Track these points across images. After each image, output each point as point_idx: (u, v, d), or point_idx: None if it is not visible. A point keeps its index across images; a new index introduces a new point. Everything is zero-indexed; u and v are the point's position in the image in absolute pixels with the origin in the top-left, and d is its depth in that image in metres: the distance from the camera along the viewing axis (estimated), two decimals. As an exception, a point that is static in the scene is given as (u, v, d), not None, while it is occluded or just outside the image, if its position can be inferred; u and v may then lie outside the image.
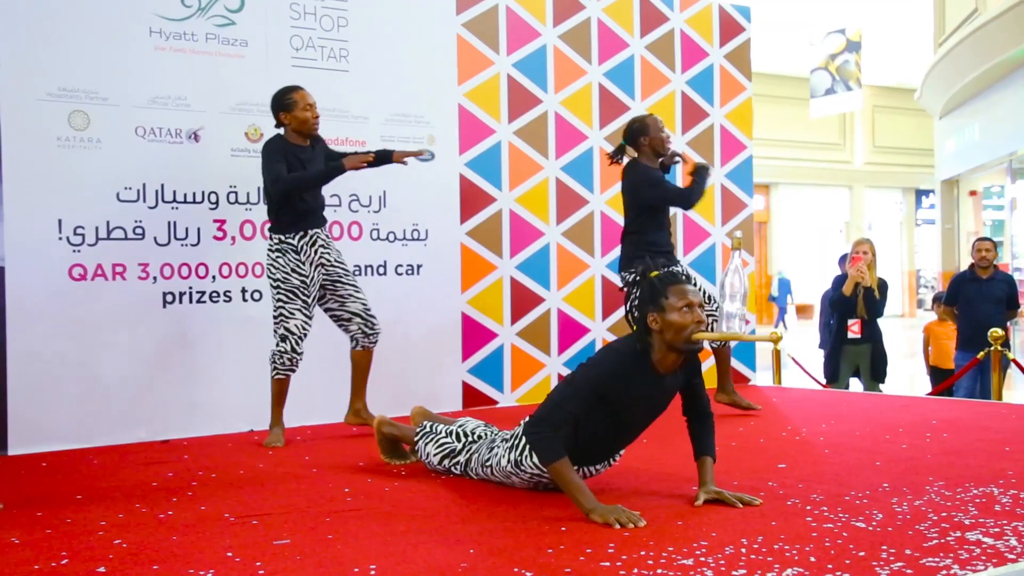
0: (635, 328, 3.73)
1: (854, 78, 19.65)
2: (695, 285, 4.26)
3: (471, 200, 6.67)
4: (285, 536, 3.35)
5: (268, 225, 5.47)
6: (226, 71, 5.90)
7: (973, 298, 8.39)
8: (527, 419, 3.84)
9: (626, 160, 5.88)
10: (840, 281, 8.49)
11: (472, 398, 6.64)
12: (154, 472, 4.68)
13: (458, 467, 4.22)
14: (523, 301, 6.89)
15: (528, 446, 3.76)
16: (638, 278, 3.79)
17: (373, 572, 2.87)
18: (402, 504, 3.86)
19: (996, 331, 7.46)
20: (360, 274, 6.22)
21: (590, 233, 7.19)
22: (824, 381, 8.80)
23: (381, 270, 6.35)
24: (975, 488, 3.83)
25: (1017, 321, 8.27)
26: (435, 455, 4.28)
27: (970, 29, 14.68)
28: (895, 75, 24.42)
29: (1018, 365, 7.61)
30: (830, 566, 2.81)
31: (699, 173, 5.71)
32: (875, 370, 8.33)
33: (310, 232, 5.38)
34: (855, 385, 8.48)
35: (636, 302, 3.75)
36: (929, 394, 8.59)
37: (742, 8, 7.91)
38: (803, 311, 26.12)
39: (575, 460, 3.72)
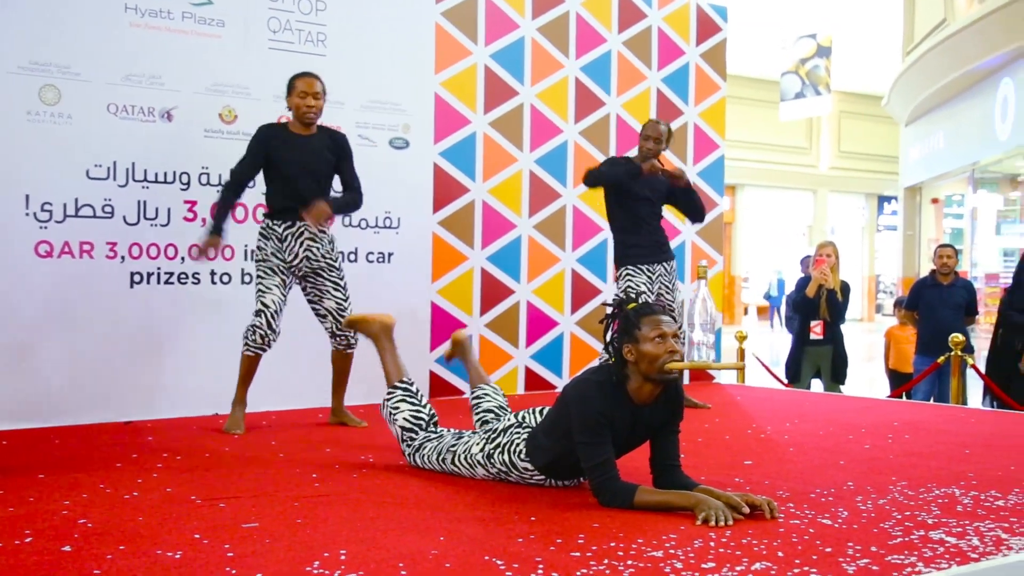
0: (613, 359, 3.70)
1: (823, 83, 19.77)
2: (673, 309, 4.33)
3: (444, 190, 6.66)
4: (253, 519, 3.33)
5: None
6: (202, 51, 5.88)
7: (934, 303, 8.47)
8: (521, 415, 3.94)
9: None
10: (803, 283, 8.56)
11: (439, 388, 6.63)
12: (119, 453, 4.66)
13: (410, 445, 4.22)
14: (493, 292, 6.90)
15: (522, 450, 3.83)
16: (615, 310, 3.77)
17: (343, 557, 2.86)
18: (371, 491, 3.85)
19: (957, 336, 7.54)
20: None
21: (562, 227, 7.21)
22: (786, 380, 8.87)
23: (352, 257, 6.33)
24: (937, 488, 3.87)
25: (975, 328, 8.36)
26: (404, 416, 4.28)
27: (939, 38, 14.82)
28: (863, 81, 24.59)
29: (977, 371, 7.68)
30: (797, 561, 2.83)
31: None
32: (835, 372, 8.38)
33: (298, 224, 5.30)
34: (816, 386, 8.54)
35: (614, 334, 3.72)
36: (889, 397, 8.67)
37: (719, 8, 7.94)
38: (763, 312, 26.24)
39: (546, 472, 3.81)
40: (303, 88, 5.26)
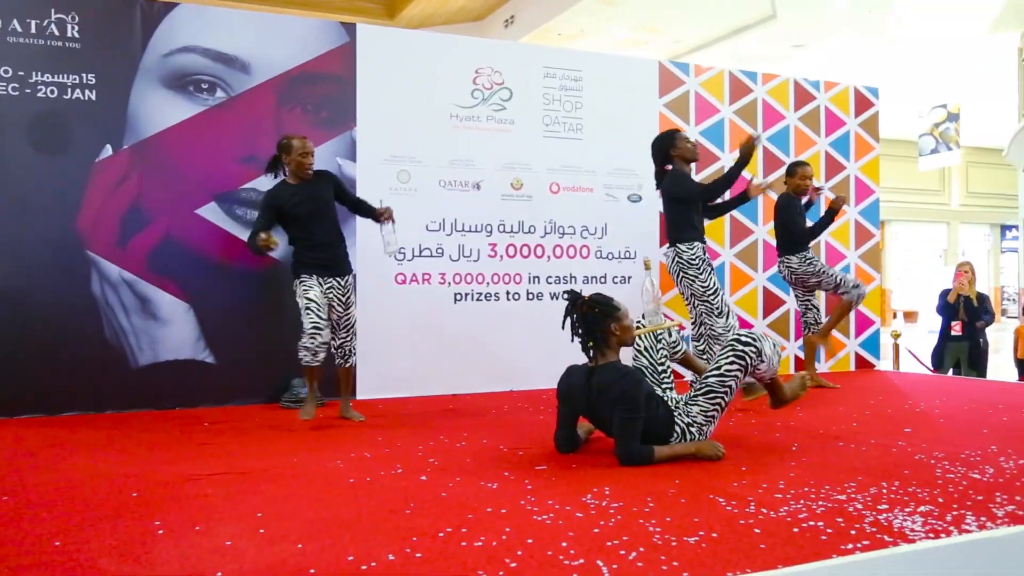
0: (592, 344, 3.57)
1: (953, 141, 18.38)
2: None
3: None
4: (543, 464, 3.39)
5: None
6: (499, 141, 6.01)
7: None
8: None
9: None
10: (946, 293, 7.99)
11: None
12: (450, 419, 4.82)
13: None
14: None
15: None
16: (578, 307, 3.63)
17: (608, 492, 2.87)
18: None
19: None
20: (586, 283, 6.25)
21: (754, 255, 6.96)
22: (932, 368, 8.26)
23: (602, 280, 6.34)
24: (1067, 452, 3.53)
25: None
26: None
27: (1051, 100, 13.42)
28: (986, 138, 22.64)
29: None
30: (955, 506, 2.65)
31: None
32: (974, 361, 7.77)
33: (325, 281, 4.63)
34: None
35: (598, 319, 3.57)
36: (1018, 380, 7.92)
37: (872, 88, 7.50)
38: (910, 316, 24.58)
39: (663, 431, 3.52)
40: (303, 148, 4.59)
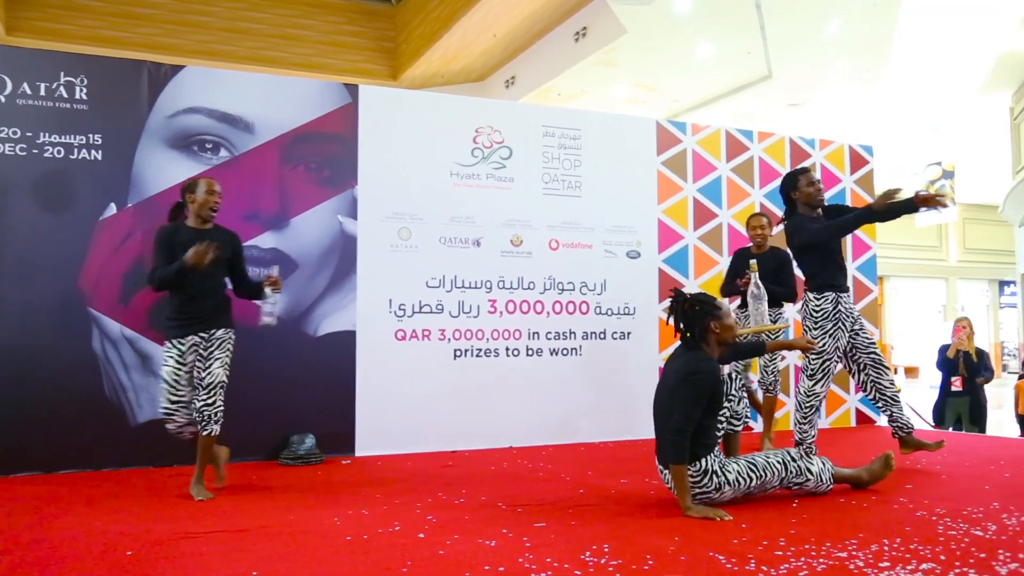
0: (690, 336, 3.75)
1: (949, 197, 18.55)
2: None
3: (666, 286, 6.58)
4: (542, 520, 3.37)
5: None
6: (499, 198, 6.07)
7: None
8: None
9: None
10: (945, 348, 7.97)
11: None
12: (447, 474, 4.80)
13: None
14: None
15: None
16: (680, 304, 3.77)
17: (606, 549, 2.85)
18: (622, 502, 3.81)
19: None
20: (586, 339, 6.26)
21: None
22: (933, 424, 8.21)
23: (602, 335, 6.34)
24: (1070, 509, 3.50)
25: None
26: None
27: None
28: (982, 194, 22.83)
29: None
30: (957, 564, 2.62)
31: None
32: (975, 417, 7.73)
33: (185, 341, 4.13)
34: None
35: (696, 317, 3.73)
36: (1020, 436, 7.86)
37: (867, 147, 7.60)
38: (911, 372, 24.44)
39: (698, 448, 3.61)
40: (209, 188, 4.24)
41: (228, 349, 4.21)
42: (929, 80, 14.04)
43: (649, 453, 5.55)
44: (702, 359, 3.65)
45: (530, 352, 6.08)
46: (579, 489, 4.14)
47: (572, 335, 6.23)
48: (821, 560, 2.68)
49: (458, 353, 5.87)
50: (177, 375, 4.11)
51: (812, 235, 4.69)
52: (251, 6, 14.71)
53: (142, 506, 3.78)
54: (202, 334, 4.15)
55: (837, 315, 4.71)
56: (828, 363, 4.72)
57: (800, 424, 4.78)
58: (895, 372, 23.70)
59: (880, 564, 2.62)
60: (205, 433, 4.07)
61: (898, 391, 4.90)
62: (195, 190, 4.23)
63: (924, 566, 2.59)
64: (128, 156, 5.16)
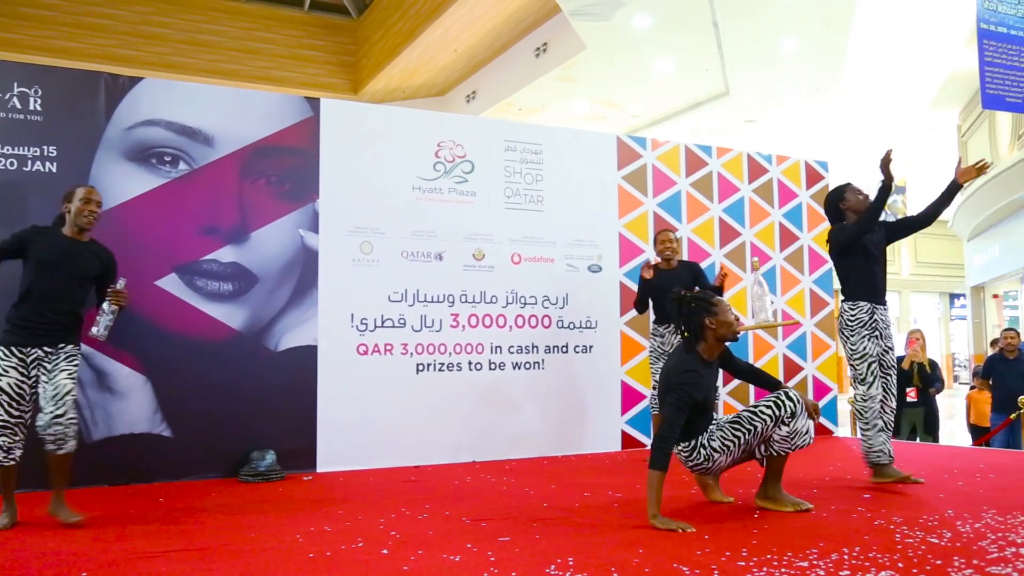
0: (686, 334, 3.84)
1: (901, 212, 18.95)
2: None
3: (627, 299, 6.62)
4: (506, 535, 3.36)
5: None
6: (461, 213, 6.07)
7: (1004, 373, 7.94)
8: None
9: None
10: (899, 360, 8.13)
11: (628, 442, 6.50)
12: (409, 489, 4.76)
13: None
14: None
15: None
16: (679, 303, 3.88)
17: (571, 562, 2.84)
18: (585, 515, 3.82)
19: (1024, 398, 6.98)
20: (548, 352, 6.27)
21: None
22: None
23: (564, 349, 6.36)
24: (1021, 515, 3.57)
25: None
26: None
27: (988, 177, 14.03)
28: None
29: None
30: (914, 570, 2.67)
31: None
32: (929, 427, 7.90)
33: (29, 352, 3.81)
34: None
35: (693, 314, 3.82)
36: (972, 445, 8.03)
37: (822, 162, 7.75)
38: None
39: (686, 436, 3.82)
40: (86, 196, 3.97)
41: (76, 364, 3.92)
42: (882, 97, 14.37)
43: (612, 465, 5.58)
44: (685, 368, 3.72)
45: (492, 366, 6.08)
46: (543, 503, 4.14)
47: (534, 349, 6.24)
48: (783, 570, 2.71)
49: (421, 367, 5.84)
50: (14, 391, 3.74)
51: (856, 228, 4.78)
52: (210, 19, 14.60)
53: (98, 526, 3.69)
54: (46, 347, 3.84)
55: (870, 322, 4.70)
56: (873, 364, 4.67)
57: (865, 432, 4.67)
58: (852, 384, 24.15)
59: (840, 573, 2.65)
60: (63, 452, 3.77)
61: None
62: (71, 199, 3.97)
63: (883, 574, 2.63)
64: (84, 168, 5.07)
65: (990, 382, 8.16)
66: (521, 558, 2.94)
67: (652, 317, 5.94)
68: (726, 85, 13.84)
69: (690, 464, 3.91)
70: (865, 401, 4.67)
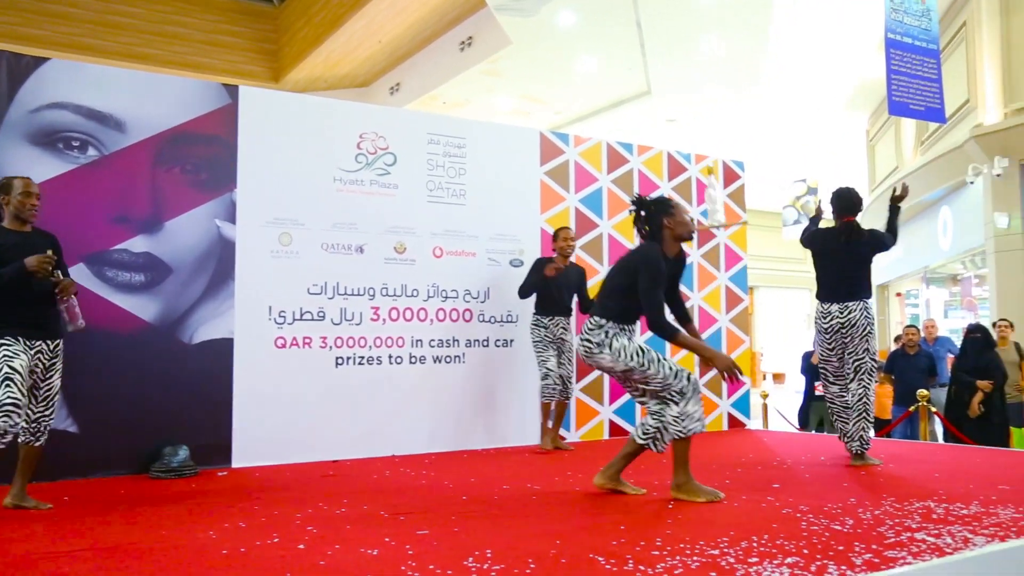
0: (649, 233, 4.08)
1: (813, 213, 19.66)
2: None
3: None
4: (424, 528, 3.36)
5: None
6: (383, 205, 6.02)
7: (905, 368, 8.28)
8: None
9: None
10: (809, 355, 8.42)
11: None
12: (328, 484, 4.72)
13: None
14: (584, 366, 6.85)
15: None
16: (640, 206, 4.12)
17: (489, 554, 2.86)
18: (505, 508, 3.84)
19: (923, 392, 7.32)
20: (469, 346, 6.28)
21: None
22: (798, 427, 8.66)
23: (484, 343, 6.38)
24: (917, 502, 3.75)
25: (935, 384, 8.12)
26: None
27: (893, 179, 14.68)
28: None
29: (939, 416, 7.42)
30: (818, 556, 2.77)
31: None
32: (836, 419, 8.21)
33: (32, 345, 3.88)
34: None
35: (652, 215, 4.07)
36: (874, 437, 8.37)
37: (738, 162, 7.95)
38: (778, 378, 25.62)
39: (623, 321, 4.03)
40: (25, 188, 3.96)
41: (61, 358, 4.04)
42: (797, 100, 14.83)
43: (531, 458, 5.64)
44: (649, 247, 4.00)
45: (413, 360, 6.06)
46: (462, 496, 4.15)
47: (455, 343, 6.25)
48: (695, 558, 2.78)
49: (340, 361, 5.79)
50: (24, 373, 3.76)
51: (890, 240, 5.27)
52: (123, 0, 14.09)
53: (-3, 525, 3.55)
54: (47, 342, 3.94)
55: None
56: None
57: (870, 424, 5.09)
58: (764, 378, 24.87)
59: (749, 560, 2.74)
60: (39, 444, 3.94)
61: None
62: (9, 191, 3.94)
63: (789, 560, 2.73)
64: (-15, 152, 4.85)
65: (892, 376, 8.50)
66: (439, 551, 2.95)
67: (535, 308, 6.10)
68: (648, 84, 14.08)
69: (586, 335, 4.02)
70: (874, 394, 5.09)
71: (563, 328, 6.09)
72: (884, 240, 5.29)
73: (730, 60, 12.95)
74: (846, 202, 5.34)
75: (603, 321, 4.00)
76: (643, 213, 4.11)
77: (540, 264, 6.03)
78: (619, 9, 11.47)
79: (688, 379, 3.93)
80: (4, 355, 3.76)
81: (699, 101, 14.63)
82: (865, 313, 5.10)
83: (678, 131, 16.02)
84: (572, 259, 6.19)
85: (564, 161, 6.91)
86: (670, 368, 3.94)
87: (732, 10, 11.33)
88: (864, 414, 5.06)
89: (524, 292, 6.05)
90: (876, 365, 5.10)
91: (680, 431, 3.92)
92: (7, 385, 3.70)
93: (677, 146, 8.24)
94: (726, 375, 3.83)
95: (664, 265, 3.97)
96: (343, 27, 13.38)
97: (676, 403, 3.91)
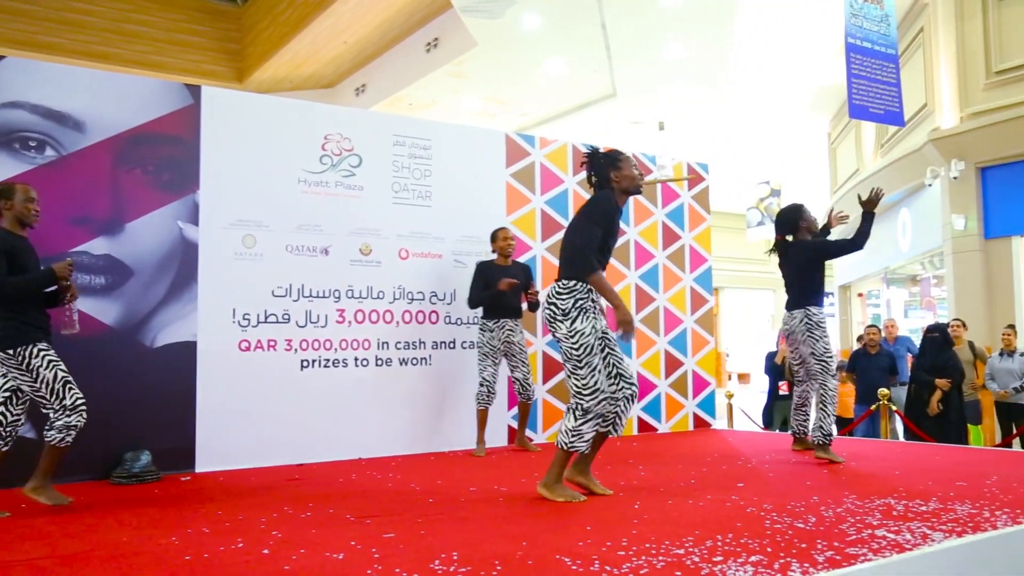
0: (598, 184, 4.18)
1: (775, 214, 19.89)
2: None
3: (515, 296, 6.71)
4: (391, 531, 3.35)
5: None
6: (348, 206, 6.00)
7: (866, 367, 8.38)
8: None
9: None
10: (772, 355, 8.50)
11: (514, 436, 6.54)
12: (293, 487, 4.69)
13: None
14: (552, 368, 6.89)
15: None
16: (591, 158, 4.23)
17: (456, 557, 2.86)
18: (474, 510, 3.84)
19: (884, 390, 7.43)
20: (435, 348, 6.27)
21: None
22: (763, 426, 8.74)
23: (451, 345, 6.38)
24: (878, 499, 3.81)
25: (895, 383, 8.25)
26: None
27: (855, 182, 14.88)
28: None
29: (899, 415, 7.54)
30: (782, 554, 2.80)
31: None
32: (799, 419, 8.30)
33: (50, 348, 4.02)
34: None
35: (600, 167, 4.18)
36: (836, 435, 8.49)
37: (703, 164, 8.03)
38: (743, 378, 25.87)
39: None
40: (27, 194, 4.04)
41: None
42: (760, 103, 15.00)
43: (498, 459, 5.63)
44: (603, 193, 4.11)
45: (379, 362, 6.03)
46: (429, 498, 4.14)
47: (422, 344, 6.23)
48: (661, 558, 2.80)
49: (305, 364, 5.74)
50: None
51: (841, 249, 5.38)
52: (82, -2, 13.87)
53: (-48, 533, 3.47)
54: (48, 342, 4.10)
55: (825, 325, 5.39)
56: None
57: (830, 415, 5.30)
58: (729, 378, 25.15)
59: (714, 559, 2.76)
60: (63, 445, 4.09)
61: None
62: (11, 196, 4.02)
63: (753, 558, 2.75)
64: (-61, 153, 4.74)
65: (854, 376, 8.62)
66: (405, 554, 2.93)
67: (482, 312, 6.08)
68: (613, 87, 14.15)
69: (553, 303, 4.01)
70: (834, 392, 5.32)
71: (510, 330, 6.03)
72: (819, 249, 5.49)
73: (694, 63, 13.07)
74: (779, 221, 5.73)
75: (572, 284, 3.98)
76: (592, 165, 4.25)
77: (482, 269, 6.00)
78: (584, 12, 11.51)
79: (597, 403, 3.94)
80: (52, 360, 3.99)
81: (664, 103, 14.74)
82: (805, 320, 5.39)
83: (643, 133, 16.13)
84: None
85: (530, 163, 6.92)
86: (595, 384, 3.92)
87: (696, 13, 11.43)
88: (820, 406, 5.31)
89: (474, 304, 6.02)
90: (823, 366, 5.31)
91: (567, 443, 3.98)
92: (70, 387, 4.00)
93: (643, 148, 8.29)
94: (621, 329, 3.91)
95: (613, 211, 4.07)
96: (308, 27, 13.29)
97: (576, 418, 3.95)
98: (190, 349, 5.33)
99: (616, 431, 4.14)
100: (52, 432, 4.00)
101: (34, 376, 3.95)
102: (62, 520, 3.73)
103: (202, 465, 5.29)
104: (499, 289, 5.85)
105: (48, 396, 3.98)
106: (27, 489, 4.07)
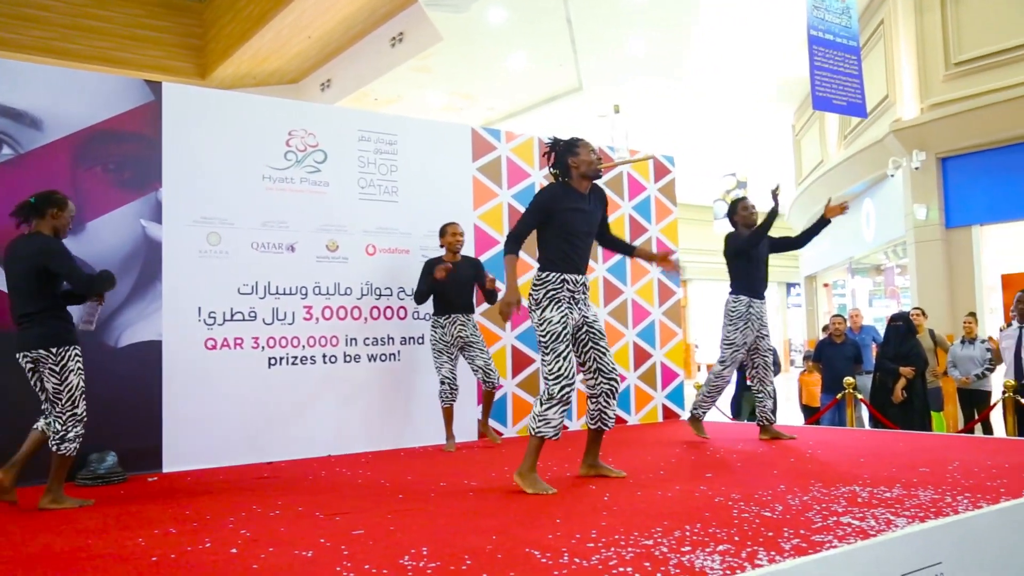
0: (560, 172, 4.27)
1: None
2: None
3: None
4: (360, 527, 3.34)
5: (51, 332, 4.05)
6: (314, 203, 5.96)
7: (832, 357, 8.50)
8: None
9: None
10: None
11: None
12: (263, 485, 4.66)
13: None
14: (521, 362, 6.90)
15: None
16: (551, 148, 4.30)
17: (425, 552, 2.86)
18: (441, 506, 3.84)
19: (850, 379, 7.55)
20: (404, 344, 6.26)
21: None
22: (731, 416, 8.84)
23: (420, 340, 6.37)
24: (843, 487, 3.87)
25: (861, 372, 8.37)
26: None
27: (819, 173, 15.06)
28: (770, 204, 24.93)
29: (864, 403, 7.66)
30: (749, 543, 2.84)
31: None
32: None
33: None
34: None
35: (558, 154, 4.27)
36: (804, 424, 8.61)
37: (668, 157, 8.07)
38: (711, 367, 26.16)
39: (562, 268, 4.20)
40: (73, 213, 4.27)
41: None
42: (725, 96, 15.12)
43: (468, 455, 5.64)
44: (547, 187, 4.23)
45: (348, 359, 6.01)
46: (398, 494, 4.13)
47: (390, 340, 6.21)
48: (630, 549, 2.82)
49: (273, 361, 5.70)
50: None
51: (744, 244, 5.77)
52: (39, -8, 13.61)
53: (-89, 540, 3.40)
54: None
55: (746, 314, 5.72)
56: (736, 353, 5.74)
57: (704, 399, 5.96)
58: (698, 369, 25.36)
59: (682, 548, 2.79)
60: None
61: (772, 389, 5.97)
62: (64, 208, 4.17)
63: (720, 547, 2.79)
64: None
65: (820, 365, 8.75)
66: (375, 550, 2.93)
67: (432, 309, 6.05)
68: (579, 80, 14.19)
69: (531, 292, 4.20)
70: (716, 379, 5.81)
71: (461, 324, 5.95)
72: (732, 243, 5.89)
73: (659, 57, 13.14)
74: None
75: (545, 275, 4.18)
76: (551, 154, 4.31)
77: (430, 267, 5.93)
78: (549, 6, 11.53)
79: (560, 390, 4.02)
80: (80, 367, 4.10)
81: (631, 96, 14.81)
82: (724, 306, 5.88)
83: (610, 126, 16.18)
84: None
85: (496, 157, 6.92)
86: (560, 370, 4.03)
87: (660, 6, 11.49)
88: (704, 386, 5.95)
89: (419, 298, 5.95)
90: (720, 356, 5.81)
91: (534, 428, 4.10)
92: (83, 397, 4.09)
93: (609, 141, 8.32)
94: (501, 310, 4.05)
95: (550, 200, 4.14)
96: (271, 22, 13.16)
97: (542, 403, 4.08)
98: (155, 348, 5.27)
99: (606, 425, 4.33)
100: (66, 444, 4.01)
101: (63, 377, 4.01)
102: (26, 523, 3.67)
103: (169, 465, 5.23)
104: (435, 278, 5.75)
105: (65, 400, 4.02)
106: (47, 502, 4.02)
